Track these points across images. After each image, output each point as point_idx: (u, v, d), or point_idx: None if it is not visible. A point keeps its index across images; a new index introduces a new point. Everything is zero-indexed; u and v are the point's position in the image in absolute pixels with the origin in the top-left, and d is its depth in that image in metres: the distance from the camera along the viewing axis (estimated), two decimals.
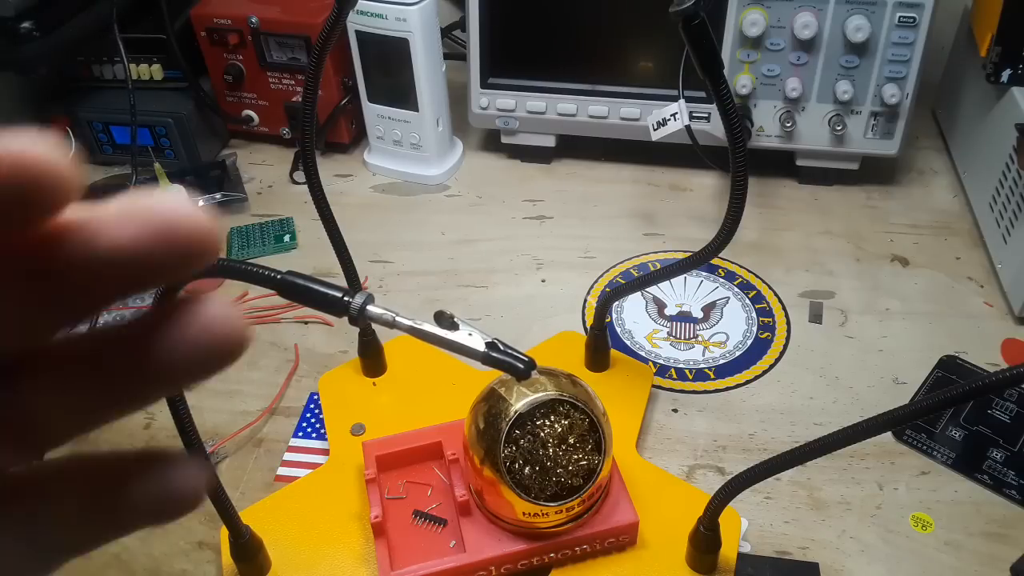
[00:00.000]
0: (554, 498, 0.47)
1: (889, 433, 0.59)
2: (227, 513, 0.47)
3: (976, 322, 0.68)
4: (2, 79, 0.84)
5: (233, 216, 0.82)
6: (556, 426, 0.47)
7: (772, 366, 0.65)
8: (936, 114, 0.90)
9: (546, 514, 0.47)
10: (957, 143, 0.84)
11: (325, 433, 0.59)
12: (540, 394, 0.47)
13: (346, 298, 0.34)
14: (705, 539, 0.48)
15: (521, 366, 0.35)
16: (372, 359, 0.62)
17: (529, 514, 0.48)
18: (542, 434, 0.46)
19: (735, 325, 0.68)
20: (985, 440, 0.58)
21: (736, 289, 0.72)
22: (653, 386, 0.63)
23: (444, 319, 0.35)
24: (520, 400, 0.47)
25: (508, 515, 0.49)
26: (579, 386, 0.49)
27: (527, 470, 0.46)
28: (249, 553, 0.49)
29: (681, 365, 0.65)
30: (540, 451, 0.46)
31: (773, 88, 0.76)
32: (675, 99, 0.75)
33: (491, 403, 0.48)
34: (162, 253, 0.17)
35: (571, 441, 0.47)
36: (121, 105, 0.76)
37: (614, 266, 0.75)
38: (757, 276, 0.73)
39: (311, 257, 0.77)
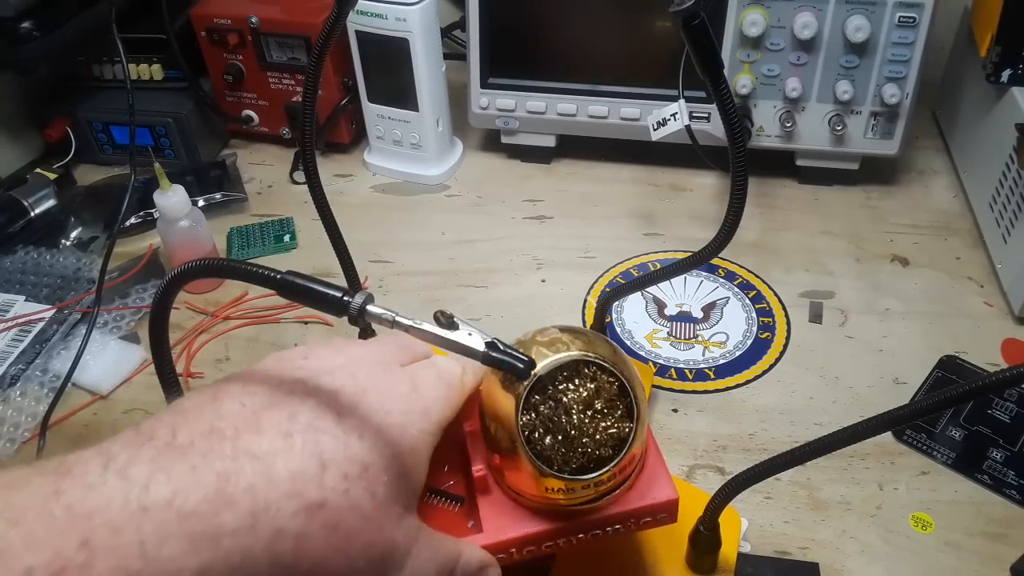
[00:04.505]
0: (580, 471, 0.42)
1: (889, 433, 0.59)
2: None
3: (976, 322, 0.68)
4: (2, 79, 0.84)
5: (233, 216, 0.82)
6: (581, 390, 0.42)
7: (772, 366, 0.65)
8: (936, 114, 0.90)
9: (572, 489, 0.43)
10: (957, 143, 0.84)
11: None
12: (562, 354, 0.42)
13: (346, 298, 0.34)
14: (705, 539, 0.48)
15: (521, 366, 0.35)
16: None
17: (553, 489, 0.43)
18: (565, 399, 0.42)
19: (735, 325, 0.68)
20: (985, 440, 0.58)
21: (736, 289, 0.72)
22: (653, 386, 0.63)
23: (444, 319, 0.36)
24: (540, 362, 0.42)
25: (529, 491, 0.44)
26: (607, 345, 0.44)
27: (548, 440, 0.42)
28: None
29: (681, 365, 0.65)
30: (563, 418, 0.42)
31: (773, 88, 0.76)
32: (675, 99, 0.75)
33: None
34: None
35: (598, 407, 0.42)
36: (121, 105, 0.76)
37: (614, 266, 0.75)
38: (757, 276, 0.73)
39: (311, 257, 0.77)
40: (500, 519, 0.45)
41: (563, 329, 0.44)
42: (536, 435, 0.42)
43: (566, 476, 0.42)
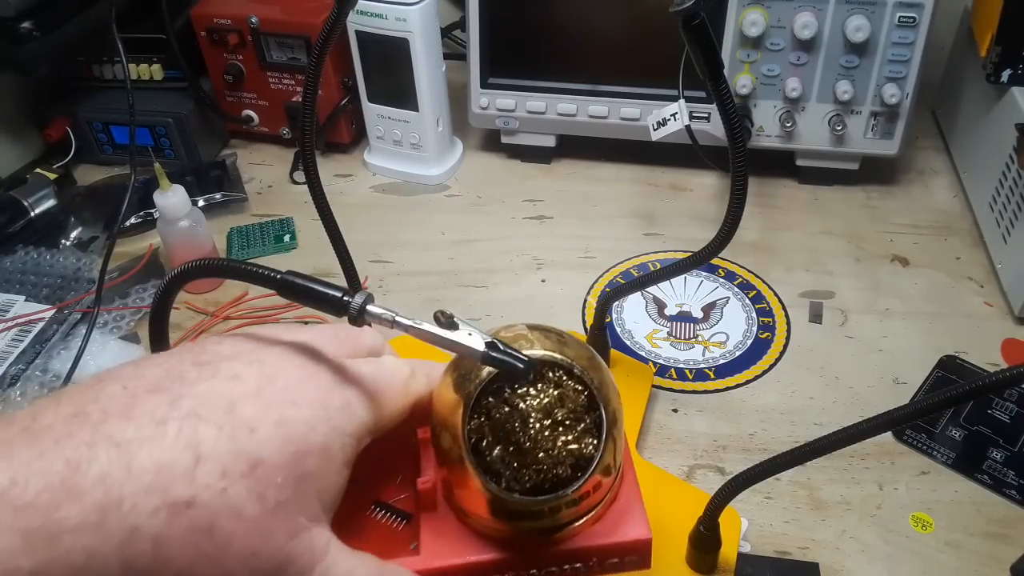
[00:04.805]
0: (533, 491, 0.36)
1: (889, 433, 0.59)
2: None
3: (976, 322, 0.68)
4: (2, 79, 0.84)
5: (233, 216, 0.82)
6: (542, 396, 0.36)
7: (772, 366, 0.65)
8: (936, 114, 0.90)
9: (521, 512, 0.37)
10: (957, 143, 0.84)
11: None
12: (525, 352, 0.37)
13: (346, 298, 0.34)
14: (705, 539, 0.48)
15: (521, 366, 0.35)
16: None
17: (500, 511, 0.37)
18: (522, 405, 0.36)
19: (735, 325, 0.68)
20: (985, 440, 0.58)
21: (736, 289, 0.72)
22: (653, 386, 0.63)
23: (444, 319, 0.35)
24: None
25: (476, 511, 0.38)
26: (582, 350, 0.38)
27: (498, 451, 0.36)
28: None
29: (681, 365, 0.65)
30: (517, 427, 0.36)
31: (773, 88, 0.76)
32: (675, 99, 0.75)
33: (465, 363, 0.38)
34: None
35: (558, 416, 0.36)
36: (121, 105, 0.76)
37: (614, 266, 0.75)
38: (757, 276, 0.73)
39: (311, 257, 0.77)
40: (441, 542, 0.39)
41: (532, 327, 0.38)
42: (485, 444, 0.36)
43: (515, 495, 0.36)
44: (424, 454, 0.41)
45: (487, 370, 0.36)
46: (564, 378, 0.37)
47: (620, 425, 0.38)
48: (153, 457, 0.28)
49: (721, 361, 0.65)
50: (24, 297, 0.72)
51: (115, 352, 0.67)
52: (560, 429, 0.36)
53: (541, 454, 0.36)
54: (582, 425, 0.37)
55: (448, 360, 0.39)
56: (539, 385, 0.37)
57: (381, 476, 0.42)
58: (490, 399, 0.37)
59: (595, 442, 0.37)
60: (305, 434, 0.32)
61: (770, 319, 0.69)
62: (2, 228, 0.76)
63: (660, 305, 0.71)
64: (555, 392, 0.37)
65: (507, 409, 0.36)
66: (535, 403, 0.36)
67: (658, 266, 0.75)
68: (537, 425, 0.36)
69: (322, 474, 0.32)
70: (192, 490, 0.28)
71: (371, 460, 0.38)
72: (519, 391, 0.36)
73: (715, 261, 0.72)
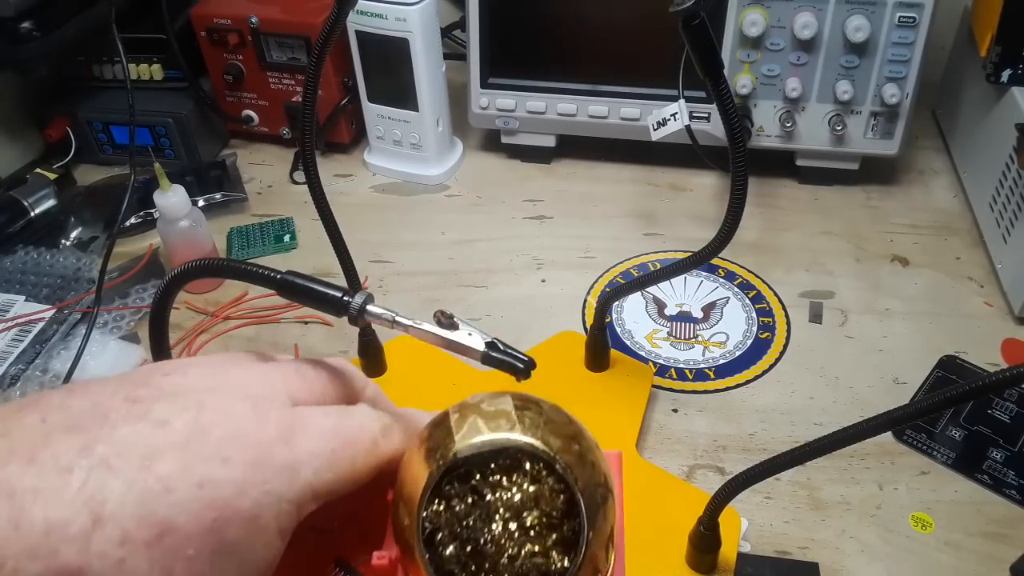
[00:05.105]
0: None
1: (889, 433, 0.59)
2: None
3: (976, 322, 0.68)
4: (2, 79, 0.84)
5: (233, 216, 0.82)
6: (514, 491, 0.31)
7: (772, 366, 0.65)
8: (936, 114, 0.90)
9: None
10: (957, 143, 0.84)
11: None
12: (500, 435, 0.31)
13: (346, 298, 0.34)
14: (705, 539, 0.48)
15: (521, 365, 0.35)
16: (372, 359, 0.62)
17: None
18: (489, 497, 0.31)
19: (735, 325, 0.68)
20: (985, 440, 0.58)
21: (736, 289, 0.72)
22: (653, 386, 0.62)
23: (444, 319, 0.35)
24: (469, 438, 0.31)
25: None
26: (571, 436, 0.32)
27: (452, 548, 0.31)
28: None
29: (681, 365, 0.65)
30: (480, 523, 0.31)
31: (773, 88, 0.76)
32: (675, 99, 0.75)
33: (437, 433, 0.33)
34: None
35: (528, 521, 0.31)
36: (121, 105, 0.76)
37: (614, 266, 0.75)
38: (757, 276, 0.73)
39: (311, 257, 0.77)
40: None
41: (522, 402, 0.33)
42: (441, 537, 0.31)
43: None
44: (390, 520, 0.35)
45: (455, 449, 0.31)
46: (543, 473, 0.31)
47: (605, 538, 0.32)
48: (47, 513, 0.24)
49: (721, 361, 0.65)
50: (24, 297, 0.72)
51: (115, 352, 0.67)
52: (530, 535, 0.31)
53: (503, 561, 0.31)
54: (555, 535, 0.31)
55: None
56: (513, 476, 0.31)
57: (350, 528, 0.38)
58: (455, 484, 0.31)
59: (563, 558, 0.31)
60: (230, 499, 0.27)
61: (770, 319, 0.69)
62: (2, 228, 0.76)
63: (660, 305, 0.71)
64: (530, 488, 0.31)
65: (471, 500, 0.31)
66: (504, 497, 0.31)
67: (658, 266, 0.75)
68: (502, 525, 0.31)
69: (247, 547, 0.28)
70: (84, 558, 0.24)
71: (340, 510, 0.34)
72: (489, 479, 0.31)
73: (715, 261, 0.72)
